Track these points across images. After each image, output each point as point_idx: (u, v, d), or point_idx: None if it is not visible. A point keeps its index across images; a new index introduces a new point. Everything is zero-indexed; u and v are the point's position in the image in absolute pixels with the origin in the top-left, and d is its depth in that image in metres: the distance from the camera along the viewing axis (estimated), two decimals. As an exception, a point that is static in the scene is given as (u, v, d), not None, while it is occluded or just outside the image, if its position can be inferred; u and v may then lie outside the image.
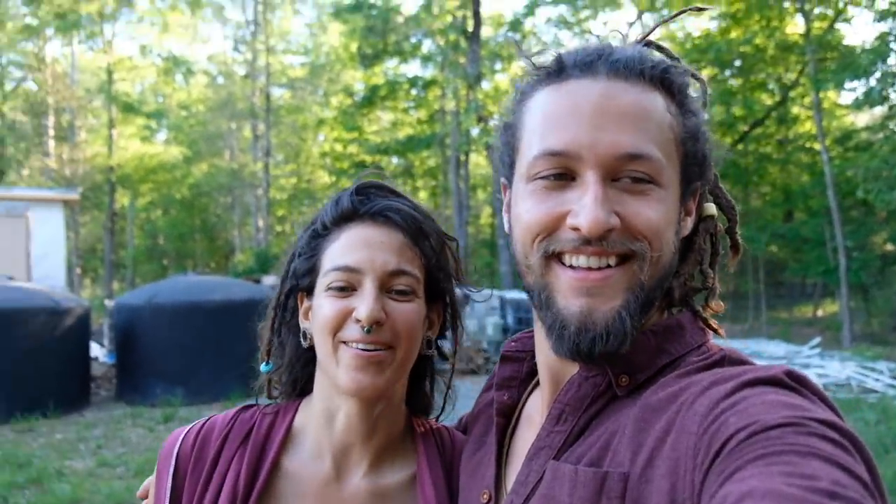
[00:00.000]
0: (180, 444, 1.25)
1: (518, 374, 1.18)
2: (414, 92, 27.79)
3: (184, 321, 10.57)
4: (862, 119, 26.87)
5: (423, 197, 29.80)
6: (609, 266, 0.92)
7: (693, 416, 0.81)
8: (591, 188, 0.90)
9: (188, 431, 1.28)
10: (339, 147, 30.72)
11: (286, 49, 35.19)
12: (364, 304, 1.14)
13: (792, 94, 24.71)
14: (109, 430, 9.15)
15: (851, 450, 0.70)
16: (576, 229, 0.91)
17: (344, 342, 1.17)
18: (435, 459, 1.27)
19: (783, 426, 0.71)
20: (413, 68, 30.58)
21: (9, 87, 32.50)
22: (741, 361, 0.95)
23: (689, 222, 1.03)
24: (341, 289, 1.17)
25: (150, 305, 10.86)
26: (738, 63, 23.93)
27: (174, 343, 10.57)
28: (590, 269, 0.92)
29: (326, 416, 1.25)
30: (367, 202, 1.23)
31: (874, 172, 16.02)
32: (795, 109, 26.16)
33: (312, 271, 1.24)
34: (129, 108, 31.82)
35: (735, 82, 24.57)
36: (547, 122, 0.96)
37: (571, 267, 0.93)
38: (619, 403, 0.95)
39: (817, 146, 22.78)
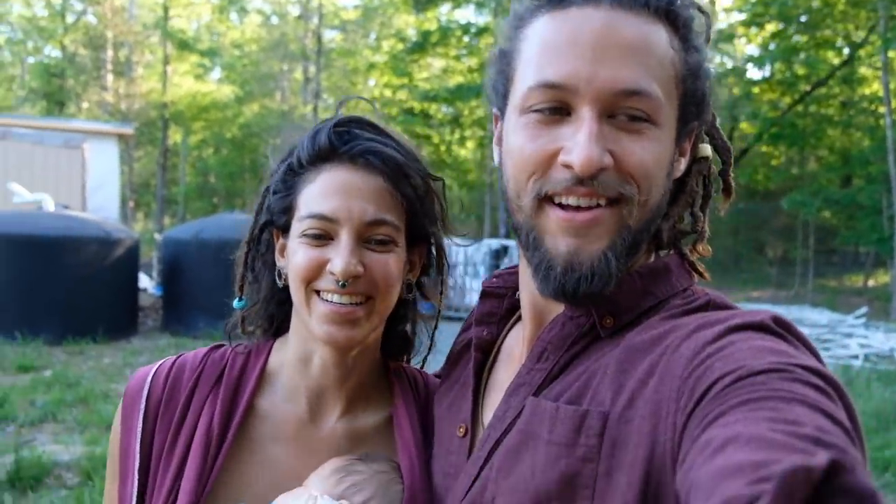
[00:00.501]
0: (150, 386, 1.19)
1: (498, 311, 1.16)
2: (466, 39, 27.33)
3: (228, 257, 10.78)
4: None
5: (470, 147, 29.58)
6: (598, 206, 0.91)
7: (678, 359, 0.81)
8: (587, 124, 0.88)
9: (157, 372, 1.22)
10: (388, 93, 30.53)
11: (340, -10, 34.91)
12: (340, 258, 1.09)
13: (860, 53, 23.55)
14: (153, 358, 9.46)
15: (834, 396, 0.71)
16: (568, 166, 0.89)
17: (318, 292, 1.13)
18: (410, 401, 1.25)
19: (768, 372, 0.71)
20: (467, 14, 30.02)
21: (70, 20, 33.00)
22: (726, 306, 0.94)
23: (683, 163, 1.00)
24: (317, 237, 1.12)
25: (196, 240, 11.13)
26: (803, 18, 22.85)
27: (218, 278, 10.70)
28: (579, 208, 0.91)
29: (302, 358, 1.21)
30: (348, 141, 1.14)
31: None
32: (863, 70, 24.96)
33: (288, 210, 1.18)
34: (184, 45, 32.08)
35: (799, 38, 23.51)
36: (544, 51, 0.92)
37: (561, 206, 0.92)
38: (602, 343, 0.95)
39: (882, 109, 21.79)
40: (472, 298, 13.36)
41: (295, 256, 1.14)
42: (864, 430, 0.71)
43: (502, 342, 1.16)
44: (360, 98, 1.35)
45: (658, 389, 0.81)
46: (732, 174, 1.09)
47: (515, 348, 1.11)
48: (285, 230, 1.20)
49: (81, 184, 16.11)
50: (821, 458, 0.57)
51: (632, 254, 0.94)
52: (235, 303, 1.29)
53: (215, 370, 1.22)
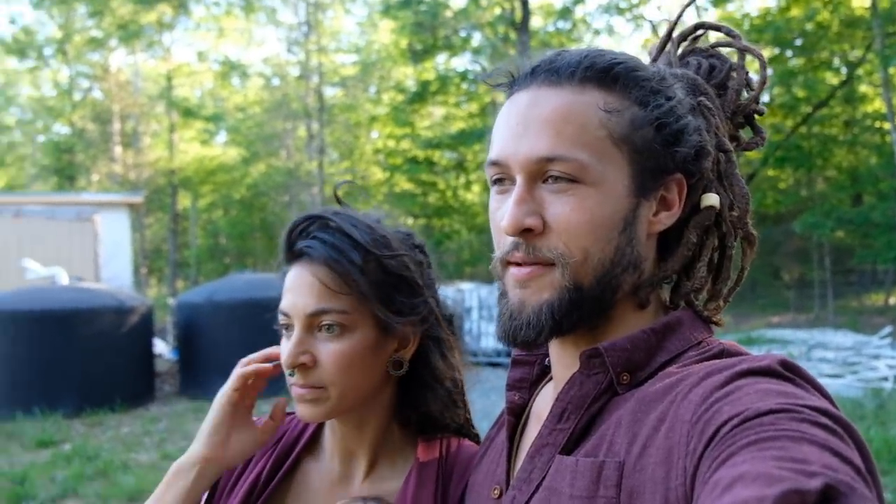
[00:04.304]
0: None
1: (528, 376, 1.18)
2: (465, 86, 27.74)
3: (242, 317, 10.80)
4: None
5: (476, 190, 29.79)
6: (538, 264, 0.97)
7: (688, 405, 0.82)
8: (515, 191, 0.97)
9: None
10: (391, 143, 30.92)
11: (338, 48, 35.55)
12: (285, 350, 1.21)
13: (859, 71, 23.67)
14: (172, 423, 9.46)
15: (844, 436, 0.71)
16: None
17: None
18: (431, 471, 1.30)
19: (776, 412, 0.72)
20: (463, 62, 30.46)
21: (77, 97, 33.79)
22: (738, 353, 0.94)
23: (667, 216, 1.00)
24: (287, 328, 1.24)
25: (209, 303, 11.16)
26: (799, 42, 23.06)
27: (233, 339, 10.81)
28: (524, 265, 0.98)
29: (332, 424, 1.35)
30: (296, 242, 1.24)
31: (947, 151, 15.24)
32: (863, 88, 25.08)
33: None
34: (189, 113, 32.72)
35: (797, 62, 23.69)
36: (493, 132, 1.03)
37: (516, 265, 0.99)
38: (620, 399, 0.96)
39: (887, 125, 21.79)
40: (488, 342, 13.25)
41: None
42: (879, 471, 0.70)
43: (533, 404, 1.19)
44: (348, 182, 1.43)
45: (669, 436, 0.82)
46: (750, 222, 1.07)
47: (543, 409, 1.12)
48: None
49: (94, 255, 16.26)
50: (815, 482, 0.60)
51: (588, 309, 0.97)
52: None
53: (279, 432, 1.38)
